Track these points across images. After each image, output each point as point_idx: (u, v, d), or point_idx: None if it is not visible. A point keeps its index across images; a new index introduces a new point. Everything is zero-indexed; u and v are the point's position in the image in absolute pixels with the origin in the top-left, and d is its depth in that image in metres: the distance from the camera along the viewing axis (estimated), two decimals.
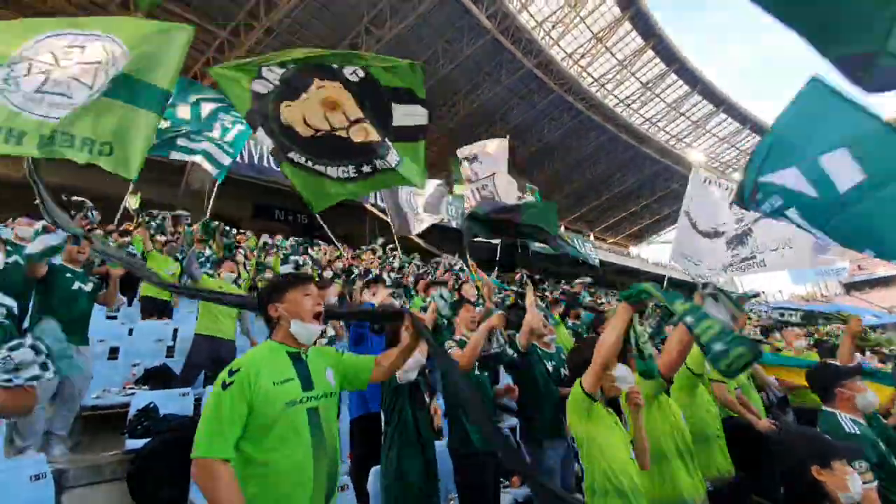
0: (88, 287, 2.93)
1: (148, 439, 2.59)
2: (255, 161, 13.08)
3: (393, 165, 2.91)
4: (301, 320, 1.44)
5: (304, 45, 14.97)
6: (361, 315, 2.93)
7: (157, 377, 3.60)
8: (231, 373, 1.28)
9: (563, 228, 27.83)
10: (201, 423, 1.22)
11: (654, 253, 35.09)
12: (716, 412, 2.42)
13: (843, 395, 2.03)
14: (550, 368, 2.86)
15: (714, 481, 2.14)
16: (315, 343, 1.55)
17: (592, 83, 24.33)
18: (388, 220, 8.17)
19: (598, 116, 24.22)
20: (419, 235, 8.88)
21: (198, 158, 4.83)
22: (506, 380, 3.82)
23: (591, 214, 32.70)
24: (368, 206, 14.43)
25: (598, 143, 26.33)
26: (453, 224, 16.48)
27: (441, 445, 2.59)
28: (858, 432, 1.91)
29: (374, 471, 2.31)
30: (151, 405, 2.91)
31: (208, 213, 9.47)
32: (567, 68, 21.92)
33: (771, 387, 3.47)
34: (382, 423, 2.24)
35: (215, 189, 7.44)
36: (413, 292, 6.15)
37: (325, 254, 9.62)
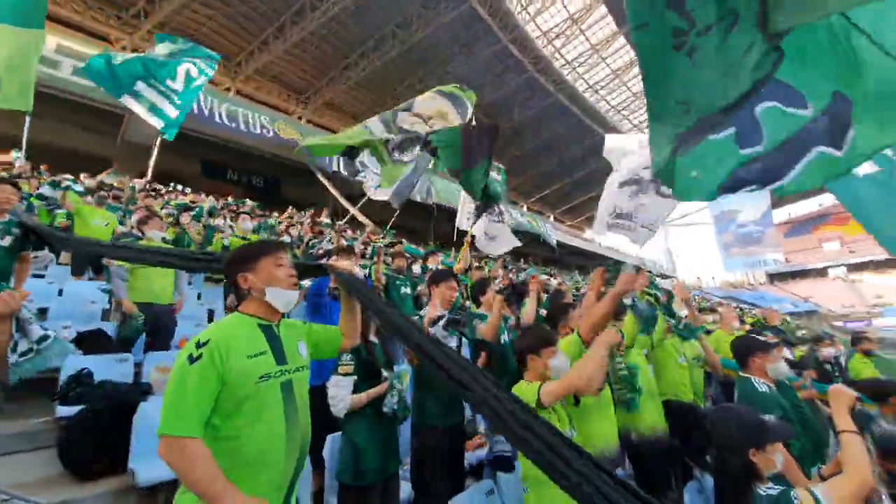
0: (6, 242, 2.60)
1: (81, 406, 2.43)
2: (206, 115, 12.07)
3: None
4: (276, 287, 1.38)
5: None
6: None
7: (91, 341, 3.33)
8: (199, 345, 1.20)
9: (525, 208, 28.44)
10: (167, 399, 1.15)
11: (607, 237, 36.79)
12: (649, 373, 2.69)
13: (756, 363, 2.33)
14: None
15: (641, 435, 2.43)
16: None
17: (564, 65, 24.39)
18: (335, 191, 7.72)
19: (567, 100, 24.45)
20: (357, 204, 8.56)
21: (142, 111, 4.41)
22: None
23: (554, 197, 33.52)
24: (321, 177, 13.75)
25: (566, 127, 26.70)
26: (418, 197, 16.30)
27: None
28: (768, 391, 2.25)
29: (331, 438, 2.31)
30: (85, 371, 2.70)
31: (151, 170, 8.68)
32: (541, 47, 21.77)
33: (716, 368, 3.81)
34: None
35: (158, 143, 6.78)
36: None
37: (281, 222, 9.16)
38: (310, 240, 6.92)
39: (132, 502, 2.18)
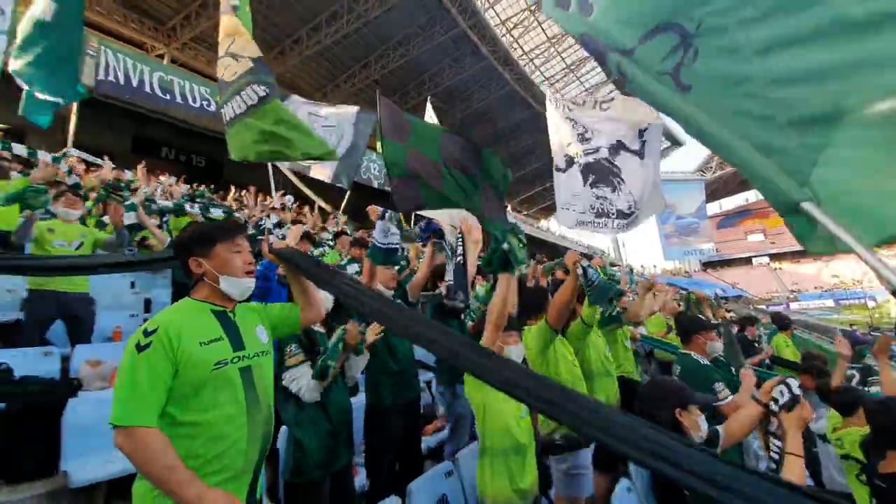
0: None
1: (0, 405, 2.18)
2: (135, 85, 10.84)
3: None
4: (231, 276, 1.32)
5: None
6: None
7: (10, 333, 2.97)
8: (147, 333, 1.15)
9: None
10: (117, 390, 1.11)
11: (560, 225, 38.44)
12: (602, 353, 2.84)
13: (698, 340, 2.56)
14: None
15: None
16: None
17: (522, 56, 24.68)
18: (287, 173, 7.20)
19: (524, 91, 24.82)
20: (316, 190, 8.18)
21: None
22: None
23: (512, 186, 34.18)
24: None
25: (522, 117, 27.16)
26: (375, 184, 15.94)
27: (357, 401, 2.60)
28: (707, 364, 2.49)
29: (284, 430, 2.24)
30: (3, 366, 2.41)
31: (70, 142, 7.80)
32: (500, 35, 21.82)
33: (636, 341, 4.14)
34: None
35: (74, 112, 6.02)
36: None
37: (232, 206, 8.51)
38: (257, 222, 6.55)
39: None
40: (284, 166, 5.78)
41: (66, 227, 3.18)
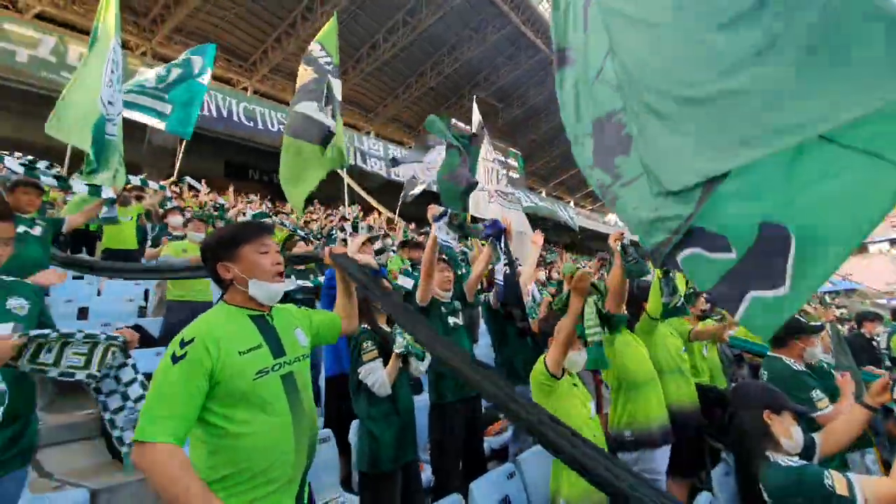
0: (37, 231, 2.78)
1: None
2: (226, 116, 12.33)
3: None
4: (260, 280, 1.24)
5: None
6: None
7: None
8: (183, 344, 1.09)
9: (544, 193, 27.97)
10: (146, 401, 1.07)
11: None
12: (675, 350, 2.67)
13: (795, 346, 2.22)
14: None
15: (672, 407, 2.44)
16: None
17: None
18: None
19: None
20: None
21: (138, 116, 4.73)
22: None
23: (573, 181, 32.80)
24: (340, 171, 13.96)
25: None
26: (434, 187, 16.26)
27: (421, 400, 2.69)
28: (801, 369, 2.15)
29: (355, 424, 2.38)
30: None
31: (176, 171, 8.99)
32: None
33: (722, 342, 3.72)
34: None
35: (183, 146, 7.04)
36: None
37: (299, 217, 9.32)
38: (329, 231, 7.05)
39: None
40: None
41: (194, 247, 3.94)
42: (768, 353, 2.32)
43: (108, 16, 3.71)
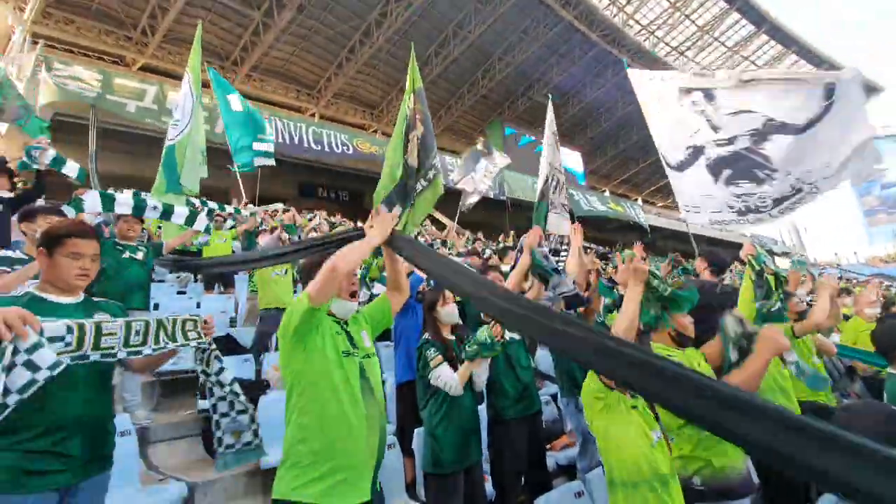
0: (139, 255, 3.22)
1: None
2: (297, 142, 13.53)
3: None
4: (338, 298, 1.55)
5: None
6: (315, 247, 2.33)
7: (223, 345, 3.96)
8: None
9: (607, 193, 26.54)
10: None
11: None
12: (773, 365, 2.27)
13: None
14: None
15: None
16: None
17: (640, 31, 22.27)
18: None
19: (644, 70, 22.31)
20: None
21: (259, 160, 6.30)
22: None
23: (638, 177, 30.79)
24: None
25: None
26: (491, 195, 16.22)
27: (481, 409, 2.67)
28: None
29: (417, 431, 2.44)
30: (226, 370, 3.22)
31: (257, 194, 10.03)
32: (610, 17, 20.16)
33: (830, 355, 3.20)
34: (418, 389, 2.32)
35: (260, 171, 7.94)
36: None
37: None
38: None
39: (258, 482, 2.57)
40: None
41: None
42: (889, 371, 1.94)
43: (194, 61, 4.29)
